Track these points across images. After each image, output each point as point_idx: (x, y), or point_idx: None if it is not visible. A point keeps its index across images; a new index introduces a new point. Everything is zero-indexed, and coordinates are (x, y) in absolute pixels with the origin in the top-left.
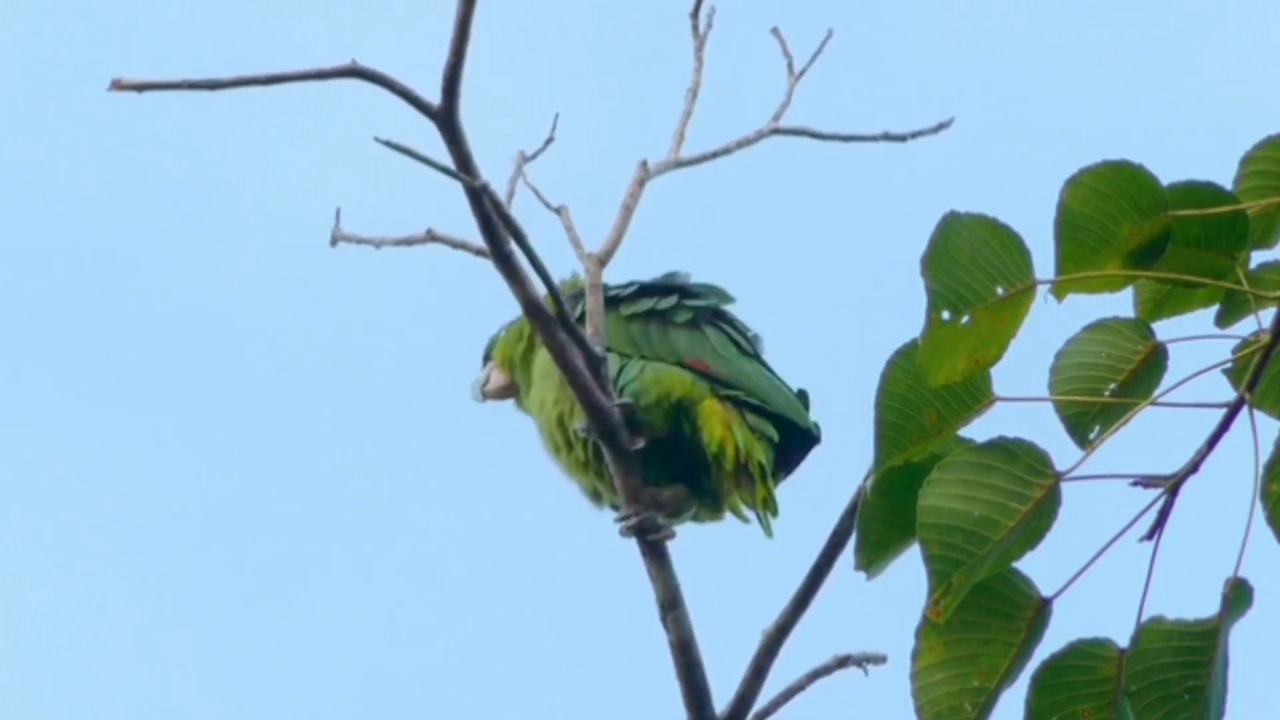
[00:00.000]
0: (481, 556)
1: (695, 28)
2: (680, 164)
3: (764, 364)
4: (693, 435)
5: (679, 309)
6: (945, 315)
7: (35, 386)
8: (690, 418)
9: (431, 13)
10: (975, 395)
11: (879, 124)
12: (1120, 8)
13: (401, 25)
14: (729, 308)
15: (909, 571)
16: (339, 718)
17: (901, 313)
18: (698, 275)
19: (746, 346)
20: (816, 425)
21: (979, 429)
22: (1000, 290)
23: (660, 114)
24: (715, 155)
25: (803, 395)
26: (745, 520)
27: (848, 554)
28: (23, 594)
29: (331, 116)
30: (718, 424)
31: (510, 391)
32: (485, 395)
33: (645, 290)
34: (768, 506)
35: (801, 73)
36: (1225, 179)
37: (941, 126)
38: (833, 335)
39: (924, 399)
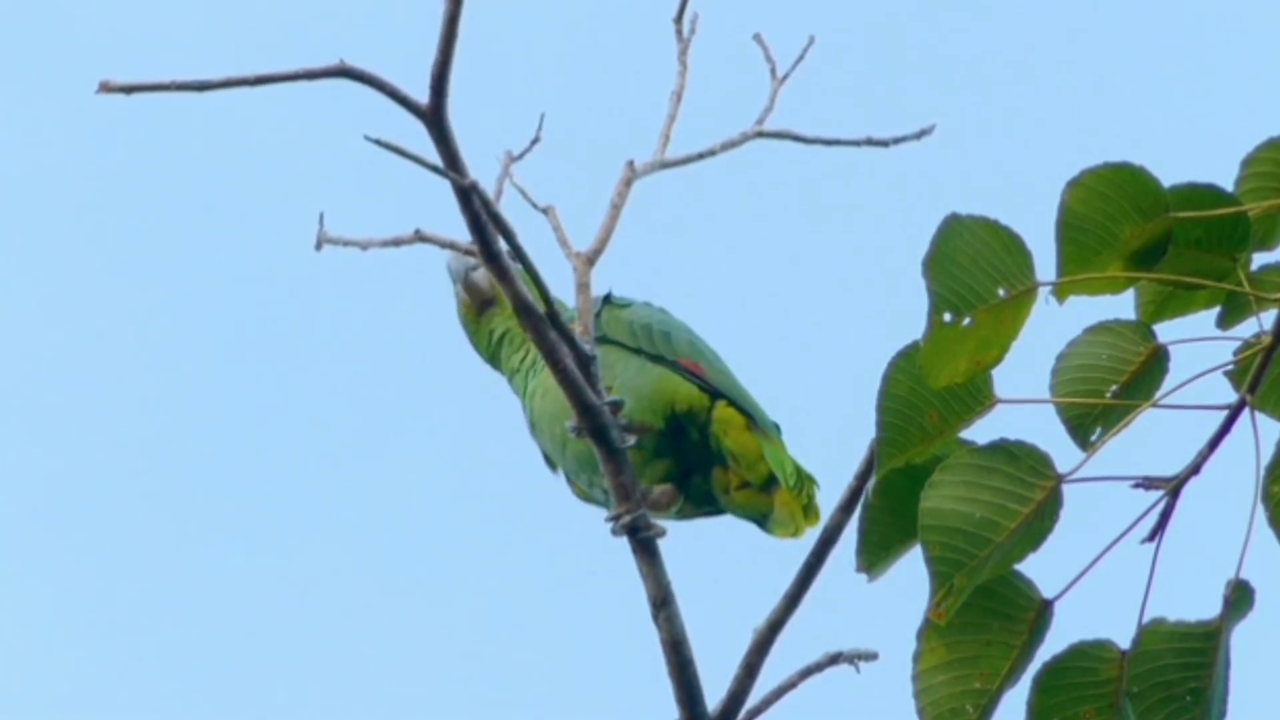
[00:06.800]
0: (472, 554)
1: (679, 32)
2: (666, 165)
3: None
4: (706, 441)
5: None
6: (947, 317)
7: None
8: (699, 423)
9: (419, 12)
10: (976, 397)
11: (873, 125)
12: (1121, 9)
13: (388, 24)
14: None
15: (900, 569)
16: (327, 716)
17: (880, 312)
18: (681, 276)
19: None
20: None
21: (980, 431)
22: (1002, 292)
23: (645, 116)
24: (700, 157)
25: (775, 427)
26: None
27: (839, 552)
28: None
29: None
30: (748, 439)
31: (486, 305)
32: (468, 284)
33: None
34: (809, 516)
35: (784, 77)
36: (1226, 181)
37: (924, 132)
38: (811, 334)
39: (925, 400)
